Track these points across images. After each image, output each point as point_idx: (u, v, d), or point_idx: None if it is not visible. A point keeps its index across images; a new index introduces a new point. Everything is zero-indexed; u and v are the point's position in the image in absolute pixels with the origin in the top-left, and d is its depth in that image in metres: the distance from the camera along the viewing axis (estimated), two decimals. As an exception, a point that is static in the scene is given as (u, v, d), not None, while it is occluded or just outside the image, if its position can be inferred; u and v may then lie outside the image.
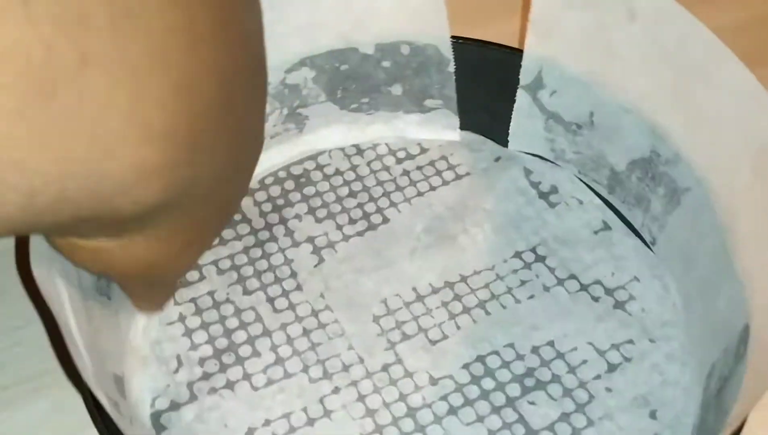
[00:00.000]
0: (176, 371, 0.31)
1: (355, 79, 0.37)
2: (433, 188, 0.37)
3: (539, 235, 0.36)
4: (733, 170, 0.28)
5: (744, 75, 0.27)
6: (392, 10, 0.34)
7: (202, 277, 0.34)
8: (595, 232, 0.36)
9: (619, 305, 0.33)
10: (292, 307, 0.33)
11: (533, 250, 0.35)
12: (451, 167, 0.38)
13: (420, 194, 0.37)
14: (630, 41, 0.31)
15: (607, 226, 0.36)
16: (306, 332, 0.32)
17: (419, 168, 0.38)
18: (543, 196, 0.37)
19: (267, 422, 0.30)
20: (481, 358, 0.32)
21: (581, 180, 0.37)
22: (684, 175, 0.31)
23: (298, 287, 0.34)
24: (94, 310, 0.27)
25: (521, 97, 0.36)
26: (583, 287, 0.34)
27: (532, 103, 0.36)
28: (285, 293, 0.34)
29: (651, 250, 0.35)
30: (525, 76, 0.35)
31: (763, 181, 0.26)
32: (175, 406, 0.30)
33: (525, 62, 0.34)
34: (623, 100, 0.33)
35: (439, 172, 0.38)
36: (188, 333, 0.32)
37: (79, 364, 0.23)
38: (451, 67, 0.36)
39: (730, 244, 0.28)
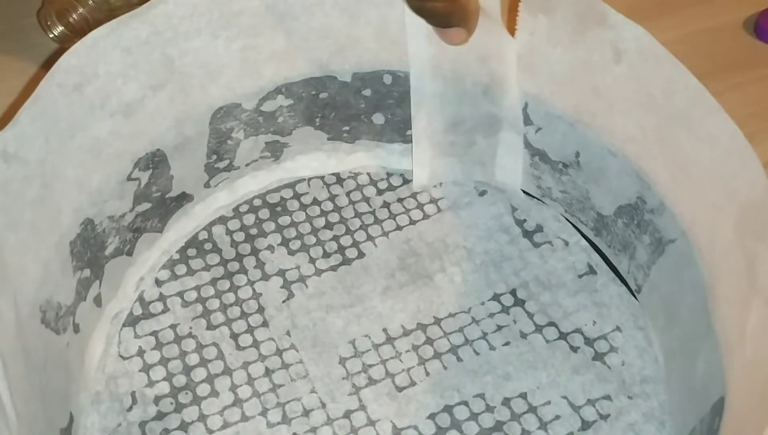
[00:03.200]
0: (129, 409, 0.30)
1: (334, 107, 0.35)
2: (413, 222, 0.36)
3: (520, 277, 0.34)
4: (716, 226, 0.26)
5: (728, 127, 0.25)
6: (372, 39, 0.33)
7: (165, 310, 0.33)
8: (580, 276, 0.34)
9: (598, 357, 0.32)
10: (256, 344, 0.32)
11: (513, 292, 0.34)
12: (433, 201, 0.37)
13: (399, 228, 0.36)
14: (615, 83, 0.29)
15: (592, 270, 0.34)
16: (268, 372, 0.31)
17: (400, 200, 0.37)
18: (527, 234, 0.36)
19: (219, 468, 0.29)
20: (448, 408, 0.30)
21: (568, 220, 0.36)
22: (669, 225, 0.29)
23: (264, 323, 0.33)
24: (35, 346, 0.26)
25: (506, 131, 0.34)
26: (563, 335, 0.32)
27: (517, 138, 0.34)
28: (250, 329, 0.32)
29: (636, 298, 0.33)
30: (509, 118, 0.34)
31: (745, 242, 0.25)
32: (125, 446, 0.29)
33: (507, 103, 0.33)
34: (609, 143, 0.31)
35: (420, 206, 0.37)
36: (146, 368, 0.31)
37: None
38: (437, 104, 0.35)
39: (710, 304, 0.26)
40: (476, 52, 0.32)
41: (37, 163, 0.26)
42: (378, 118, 0.36)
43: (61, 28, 0.38)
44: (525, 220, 0.36)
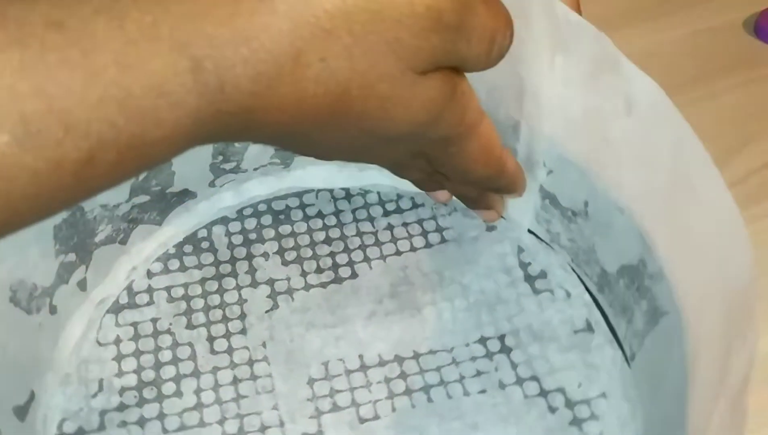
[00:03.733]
0: (94, 396, 0.30)
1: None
2: (413, 249, 0.35)
3: (512, 323, 0.33)
4: (706, 306, 0.24)
5: (727, 202, 0.23)
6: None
7: (150, 302, 0.33)
8: (575, 332, 0.32)
9: (576, 422, 0.30)
10: (230, 350, 0.32)
11: (501, 338, 0.32)
12: (438, 230, 0.36)
13: (398, 253, 0.35)
14: (625, 135, 0.27)
15: (589, 328, 0.32)
16: (235, 381, 0.31)
17: (405, 224, 0.36)
18: (529, 279, 0.34)
19: (165, 470, 0.29)
20: (407, 449, 0.29)
21: (574, 270, 0.34)
22: (665, 295, 0.27)
23: (243, 331, 0.32)
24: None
25: (535, 178, 0.33)
26: (543, 393, 0.31)
27: (530, 177, 0.33)
28: (228, 334, 0.32)
29: (629, 365, 0.31)
30: (523, 148, 0.32)
31: (727, 330, 0.22)
32: (80, 432, 0.29)
33: (524, 133, 0.31)
34: (616, 198, 0.29)
35: (424, 233, 0.35)
36: (119, 358, 0.31)
37: None
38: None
39: (689, 391, 0.24)
40: (514, 87, 0.30)
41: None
42: (392, 139, 0.35)
43: None
44: (530, 264, 0.34)
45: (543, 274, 0.34)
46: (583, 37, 0.27)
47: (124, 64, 0.17)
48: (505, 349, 0.32)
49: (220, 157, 0.34)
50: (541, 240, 0.35)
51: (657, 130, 0.26)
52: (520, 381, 0.31)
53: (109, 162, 0.18)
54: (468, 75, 0.24)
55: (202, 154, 0.33)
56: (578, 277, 0.34)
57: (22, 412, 0.28)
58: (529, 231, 0.35)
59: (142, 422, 0.30)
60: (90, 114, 0.17)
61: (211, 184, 0.35)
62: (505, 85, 0.31)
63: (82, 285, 0.32)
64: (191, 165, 0.33)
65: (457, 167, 0.28)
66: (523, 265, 0.34)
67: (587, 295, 0.33)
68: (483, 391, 0.31)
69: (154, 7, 0.18)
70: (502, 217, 0.34)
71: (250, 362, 0.31)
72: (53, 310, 0.30)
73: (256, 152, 0.35)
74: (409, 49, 0.20)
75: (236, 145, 0.34)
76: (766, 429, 0.28)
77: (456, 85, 0.23)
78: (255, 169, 0.36)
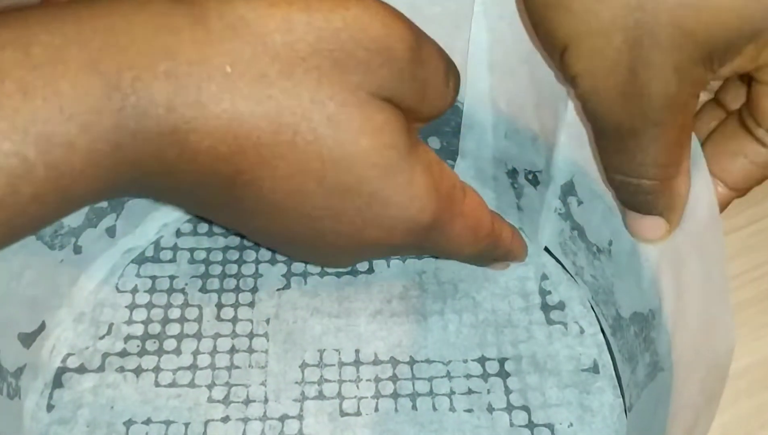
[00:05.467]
0: (102, 338, 0.32)
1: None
2: (435, 256, 0.35)
3: (516, 349, 0.32)
4: (690, 373, 0.23)
5: (720, 268, 0.21)
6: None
7: (172, 259, 0.34)
8: (580, 370, 0.31)
9: (556, 462, 0.29)
10: (234, 320, 0.33)
11: (501, 361, 0.31)
12: (465, 241, 0.35)
13: (418, 258, 0.34)
14: None
15: (595, 370, 0.31)
16: (233, 350, 0.32)
17: (433, 230, 0.35)
18: (545, 307, 0.33)
19: (148, 421, 0.30)
20: (379, 452, 0.29)
21: (593, 308, 0.32)
22: (664, 351, 0.25)
23: (251, 304, 0.33)
24: (14, 252, 0.28)
25: (543, 185, 0.32)
26: (530, 425, 0.30)
27: (562, 206, 0.32)
28: (236, 305, 0.33)
29: (626, 416, 0.29)
30: (559, 176, 0.31)
31: (701, 400, 0.21)
32: (81, 369, 0.31)
33: (559, 161, 0.30)
34: (636, 241, 0.27)
35: (450, 242, 0.35)
36: (131, 307, 0.33)
37: None
38: (489, 134, 0.33)
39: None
40: (533, 97, 0.30)
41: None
42: (433, 142, 0.35)
43: None
44: (550, 293, 0.33)
45: (561, 306, 0.33)
46: None
47: (28, 90, 0.16)
48: (503, 374, 0.31)
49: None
50: (566, 270, 0.33)
51: None
52: (509, 408, 0.30)
53: (27, 197, 0.16)
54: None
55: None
56: (596, 315, 0.32)
57: (28, 339, 0.30)
58: (557, 260, 0.34)
59: (138, 371, 0.31)
60: None
61: (252, 158, 0.36)
62: (529, 105, 0.30)
63: (111, 232, 0.33)
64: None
65: (443, 251, 0.27)
66: (543, 292, 0.33)
67: (601, 336, 0.32)
68: (469, 410, 0.30)
69: (68, 27, 0.16)
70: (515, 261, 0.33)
71: (251, 335, 0.32)
72: (78, 250, 0.32)
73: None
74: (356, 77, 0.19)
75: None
76: (763, 431, 0.27)
77: (412, 132, 0.21)
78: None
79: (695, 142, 0.23)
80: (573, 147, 0.29)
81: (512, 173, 0.33)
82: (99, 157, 0.17)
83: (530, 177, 0.32)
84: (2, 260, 0.28)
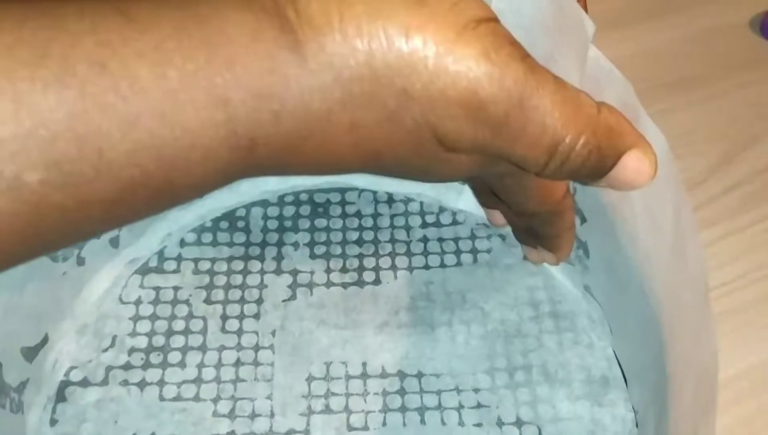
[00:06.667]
0: (105, 350, 0.31)
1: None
2: (443, 266, 0.34)
3: (527, 358, 0.31)
4: (683, 386, 0.22)
5: (702, 274, 0.21)
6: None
7: (176, 270, 0.34)
8: (590, 382, 0.31)
9: (567, 477, 0.28)
10: (240, 332, 0.32)
11: (511, 372, 0.31)
12: (473, 251, 0.35)
13: (426, 268, 0.34)
14: (642, 194, 0.25)
15: (606, 382, 0.30)
16: (238, 363, 0.31)
17: (441, 240, 0.35)
18: (555, 316, 0.32)
19: (152, 436, 0.29)
20: (387, 467, 0.29)
21: (603, 324, 0.32)
22: (663, 368, 0.25)
23: (256, 316, 0.33)
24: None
25: None
26: (541, 439, 0.29)
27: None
28: (241, 316, 0.33)
29: (637, 431, 0.29)
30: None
31: (705, 415, 0.20)
32: (85, 383, 0.30)
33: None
34: (634, 257, 0.27)
35: (458, 252, 0.35)
36: (135, 318, 0.32)
37: None
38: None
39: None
40: None
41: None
42: (441, 151, 0.34)
43: None
44: (560, 302, 0.33)
45: (571, 316, 0.32)
46: (612, 84, 0.25)
47: (161, 114, 0.17)
48: (513, 385, 0.31)
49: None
50: (575, 284, 0.33)
51: (663, 190, 0.24)
52: (519, 423, 0.30)
53: (136, 203, 0.18)
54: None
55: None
56: (606, 328, 0.32)
57: (31, 353, 0.29)
58: (564, 273, 0.33)
59: (142, 385, 0.31)
60: (122, 159, 0.17)
61: (256, 167, 0.35)
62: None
63: (114, 242, 0.33)
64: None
65: (510, 196, 0.27)
66: (552, 302, 0.33)
67: (610, 350, 0.31)
68: (479, 425, 0.30)
69: (198, 53, 0.17)
70: (547, 263, 0.33)
71: (256, 348, 0.32)
72: (81, 261, 0.31)
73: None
74: (439, 130, 0.19)
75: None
76: (765, 433, 0.27)
77: None
78: (301, 159, 0.36)
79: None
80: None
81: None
82: (211, 179, 0.18)
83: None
84: (4, 273, 0.27)
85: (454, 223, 0.36)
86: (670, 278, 0.24)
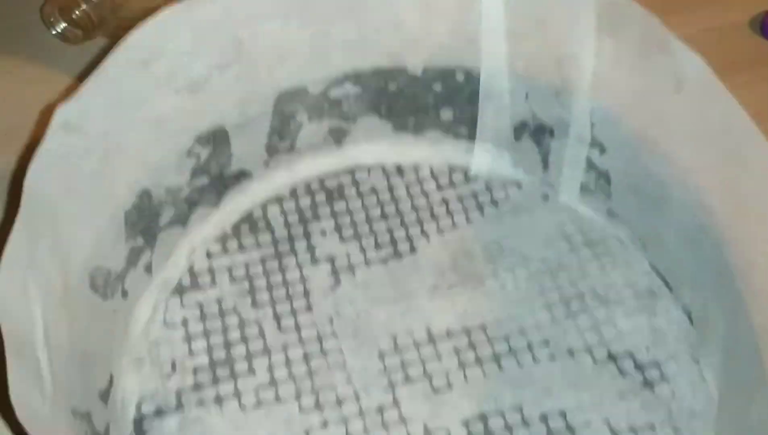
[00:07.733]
0: (169, 377, 0.30)
1: (402, 98, 0.35)
2: (470, 222, 0.35)
3: (576, 288, 0.33)
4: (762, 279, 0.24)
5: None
6: (447, 34, 0.32)
7: (213, 283, 0.33)
8: (639, 296, 0.33)
9: (648, 385, 0.30)
10: (297, 328, 0.32)
11: (566, 304, 0.32)
12: (494, 202, 0.36)
13: (455, 227, 0.35)
14: (676, 112, 0.28)
15: (653, 293, 0.33)
16: (306, 357, 0.31)
17: (460, 198, 0.36)
18: (589, 244, 0.34)
19: (247, 447, 0.29)
20: (483, 417, 0.30)
21: (633, 242, 0.34)
22: (727, 264, 0.27)
23: (309, 308, 0.32)
24: (81, 311, 0.26)
25: (573, 138, 0.33)
26: (612, 357, 0.31)
27: (589, 153, 0.33)
28: (293, 312, 0.32)
29: (694, 329, 0.31)
30: (585, 124, 0.32)
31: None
32: (159, 412, 0.29)
33: (584, 110, 0.31)
34: (670, 173, 0.29)
35: (479, 206, 0.36)
36: (188, 338, 0.31)
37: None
38: (507, 101, 0.33)
39: (764, 352, 0.25)
40: (554, 54, 0.31)
41: (99, 135, 0.26)
42: (446, 114, 0.35)
43: (64, 24, 0.38)
44: (589, 231, 0.35)
45: (602, 241, 0.34)
46: (631, 18, 0.27)
47: None
48: (572, 315, 0.32)
49: (276, 137, 0.34)
50: (600, 214, 0.35)
51: (707, 107, 0.26)
52: (588, 347, 0.31)
53: None
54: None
55: (259, 134, 0.33)
56: (637, 245, 0.34)
57: (105, 395, 0.28)
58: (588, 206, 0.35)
59: (219, 401, 0.30)
60: None
61: (266, 164, 0.35)
62: (551, 62, 0.31)
63: (149, 268, 0.32)
64: (249, 145, 0.33)
65: None
66: (582, 232, 0.34)
67: (647, 264, 0.33)
68: (552, 358, 0.31)
69: None
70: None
71: (319, 338, 0.32)
72: (125, 294, 0.30)
73: (311, 131, 0.35)
74: None
75: (291, 124, 0.34)
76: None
77: None
78: (308, 148, 0.35)
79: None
80: (588, 94, 0.31)
81: (536, 132, 0.34)
82: None
83: (554, 131, 0.33)
84: (71, 321, 0.26)
85: (467, 180, 0.36)
86: (724, 184, 0.26)
